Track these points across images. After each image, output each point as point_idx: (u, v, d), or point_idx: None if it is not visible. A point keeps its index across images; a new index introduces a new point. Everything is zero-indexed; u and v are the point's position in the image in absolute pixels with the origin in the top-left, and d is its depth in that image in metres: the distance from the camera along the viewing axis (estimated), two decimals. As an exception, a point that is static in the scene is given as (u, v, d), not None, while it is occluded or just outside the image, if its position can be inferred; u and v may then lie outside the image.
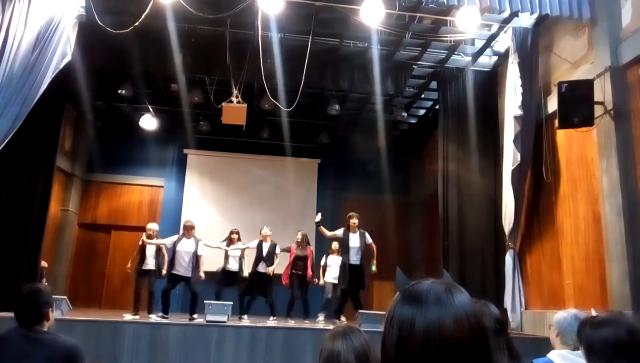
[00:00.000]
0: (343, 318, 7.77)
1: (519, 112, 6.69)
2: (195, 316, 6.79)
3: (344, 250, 7.42)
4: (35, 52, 5.97)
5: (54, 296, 2.59)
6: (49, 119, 7.05)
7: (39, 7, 5.99)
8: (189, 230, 7.28)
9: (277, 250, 7.82)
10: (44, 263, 7.99)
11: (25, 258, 6.63)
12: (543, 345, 2.72)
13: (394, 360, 0.85)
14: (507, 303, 6.86)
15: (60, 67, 6.19)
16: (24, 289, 2.42)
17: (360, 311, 6.39)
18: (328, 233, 7.64)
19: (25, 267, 6.60)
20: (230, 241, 7.75)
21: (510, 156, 6.79)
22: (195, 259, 7.15)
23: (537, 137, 6.79)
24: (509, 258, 7.01)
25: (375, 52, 7.82)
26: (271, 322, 7.20)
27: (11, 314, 2.39)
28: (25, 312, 2.35)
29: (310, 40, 7.24)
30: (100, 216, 11.46)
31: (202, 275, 7.17)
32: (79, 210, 11.27)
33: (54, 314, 2.50)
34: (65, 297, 6.16)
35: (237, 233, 7.82)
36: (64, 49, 6.20)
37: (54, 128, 7.27)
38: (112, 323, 5.99)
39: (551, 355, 2.20)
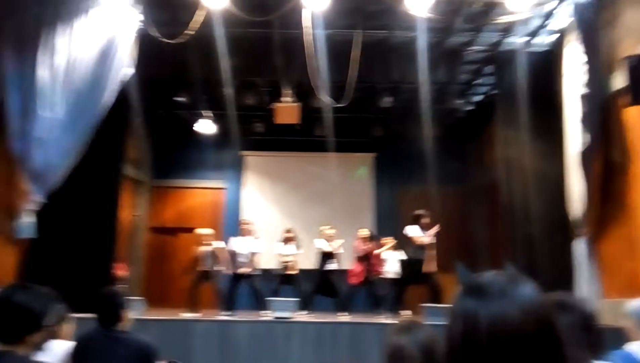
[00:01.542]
0: (407, 312, 7.71)
1: (583, 91, 6.35)
2: (262, 312, 6.95)
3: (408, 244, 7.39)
4: (100, 67, 6.32)
5: (129, 298, 2.75)
6: (114, 130, 7.43)
7: (101, 23, 6.33)
8: (243, 228, 7.54)
9: (340, 249, 7.88)
10: (124, 272, 8.44)
11: (101, 262, 7.05)
12: (622, 336, 2.58)
13: (458, 353, 0.85)
14: (581, 292, 6.55)
15: (123, 79, 6.53)
16: (102, 292, 2.59)
17: (424, 304, 6.32)
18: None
19: (102, 271, 7.01)
20: (285, 240, 7.93)
21: (576, 138, 6.46)
22: (252, 256, 7.41)
23: (604, 116, 6.41)
24: (580, 245, 6.67)
25: (425, 40, 7.66)
26: (344, 317, 7.25)
27: (91, 315, 2.56)
28: (105, 314, 2.52)
29: (358, 34, 7.21)
30: (167, 220, 11.99)
31: (224, 269, 7.43)
32: (148, 215, 11.84)
33: (131, 314, 2.66)
34: (139, 298, 6.49)
35: (291, 231, 8.06)
36: (125, 62, 6.54)
37: (120, 138, 7.68)
38: (183, 322, 6.27)
39: (632, 346, 2.09)
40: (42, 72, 6.17)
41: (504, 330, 0.81)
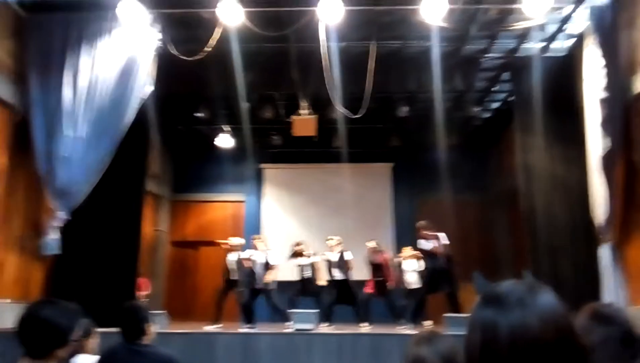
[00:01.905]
0: (428, 322, 7.62)
1: (603, 94, 6.25)
2: (286, 324, 6.93)
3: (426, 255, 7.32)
4: (120, 87, 6.48)
5: (152, 312, 2.78)
6: (136, 147, 7.54)
7: (121, 44, 6.50)
8: (255, 243, 7.59)
9: (349, 257, 7.85)
10: (147, 286, 8.44)
11: (124, 277, 7.13)
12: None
13: (478, 364, 0.85)
14: (607, 300, 6.39)
15: (143, 97, 6.68)
16: (125, 307, 2.64)
17: (445, 314, 6.25)
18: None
19: (125, 285, 7.08)
20: (294, 254, 7.96)
21: (597, 143, 6.36)
22: (266, 269, 7.43)
23: (625, 119, 6.30)
24: (604, 252, 6.52)
25: (440, 49, 7.66)
26: (364, 328, 7.20)
27: (115, 330, 2.61)
28: (128, 328, 2.56)
29: (373, 45, 7.25)
30: (189, 234, 12.12)
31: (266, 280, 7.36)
32: (169, 229, 11.99)
33: (153, 328, 2.69)
34: (162, 312, 6.55)
35: (300, 244, 8.08)
36: (145, 80, 6.68)
37: (141, 154, 7.79)
38: (206, 335, 6.30)
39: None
40: (66, 93, 6.36)
41: (524, 340, 0.81)
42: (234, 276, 7.61)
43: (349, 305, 7.75)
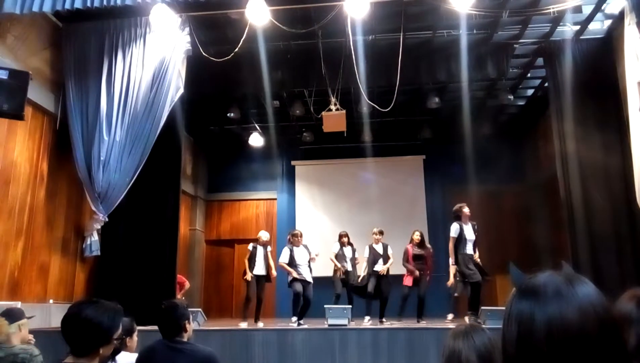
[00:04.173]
0: (452, 314, 7.49)
1: (642, 77, 5.99)
2: (301, 322, 6.99)
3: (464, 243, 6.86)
4: (153, 90, 6.61)
5: (189, 309, 2.84)
6: (170, 149, 7.70)
7: (153, 48, 6.64)
8: (293, 239, 7.59)
9: (390, 250, 7.79)
10: (184, 284, 8.61)
11: (163, 276, 7.30)
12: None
13: (515, 357, 0.83)
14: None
15: (175, 100, 6.80)
16: (164, 305, 2.69)
17: (483, 307, 6.13)
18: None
19: (164, 284, 7.25)
20: (341, 244, 7.92)
21: (637, 127, 6.10)
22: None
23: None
24: (650, 240, 6.28)
25: (471, 37, 7.50)
26: (385, 322, 7.16)
27: (155, 327, 2.67)
28: (167, 325, 2.61)
29: (401, 37, 7.16)
30: (223, 232, 12.32)
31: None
32: (204, 228, 12.22)
33: (192, 325, 2.74)
34: (200, 309, 6.68)
35: (346, 235, 7.98)
36: (177, 83, 6.80)
37: (176, 156, 7.92)
38: (243, 331, 6.40)
39: None
40: (103, 99, 6.55)
41: (562, 333, 0.79)
42: (259, 271, 7.64)
43: (378, 299, 7.65)
